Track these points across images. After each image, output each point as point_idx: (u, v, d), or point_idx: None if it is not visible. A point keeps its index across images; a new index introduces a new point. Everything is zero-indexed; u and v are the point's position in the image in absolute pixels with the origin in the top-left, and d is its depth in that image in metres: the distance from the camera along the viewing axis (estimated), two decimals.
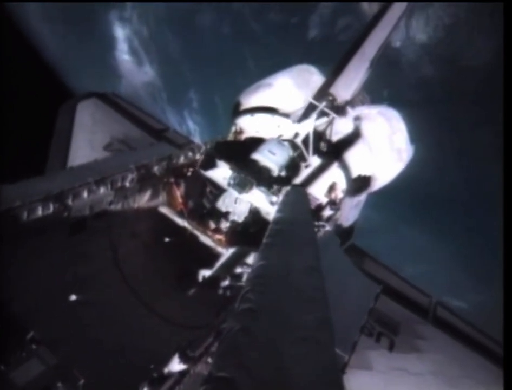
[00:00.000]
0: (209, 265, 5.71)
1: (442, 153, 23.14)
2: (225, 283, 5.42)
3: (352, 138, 6.83)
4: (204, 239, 6.03)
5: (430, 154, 21.06)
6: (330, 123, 7.09)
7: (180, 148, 6.57)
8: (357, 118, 6.94)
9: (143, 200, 6.07)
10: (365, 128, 6.88)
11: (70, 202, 4.74)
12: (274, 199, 6.15)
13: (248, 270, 5.47)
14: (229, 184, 6.17)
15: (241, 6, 27.86)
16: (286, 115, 6.88)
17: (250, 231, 6.21)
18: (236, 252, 5.79)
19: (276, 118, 6.85)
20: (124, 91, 30.67)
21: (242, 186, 6.05)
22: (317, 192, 6.51)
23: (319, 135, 7.20)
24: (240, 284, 5.35)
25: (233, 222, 6.40)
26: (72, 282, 4.84)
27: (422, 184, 22.92)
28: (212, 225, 6.25)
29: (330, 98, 7.34)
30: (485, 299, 23.67)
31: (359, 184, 6.76)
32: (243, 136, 7.10)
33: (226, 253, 5.80)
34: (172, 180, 6.27)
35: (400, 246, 24.18)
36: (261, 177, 6.14)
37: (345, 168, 6.60)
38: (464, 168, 23.79)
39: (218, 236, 6.09)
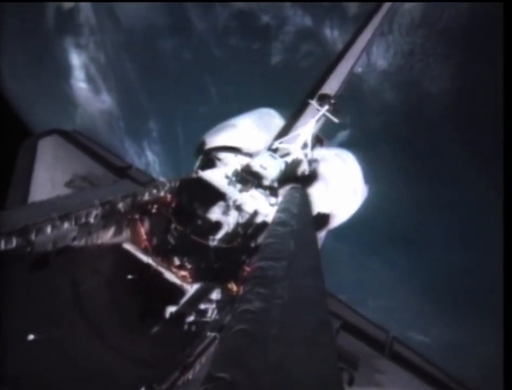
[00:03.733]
0: (173, 302, 5.92)
1: (404, 186, 24.29)
2: (191, 318, 5.70)
3: (311, 178, 7.43)
4: (169, 275, 6.24)
5: (390, 188, 22.21)
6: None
7: (143, 185, 6.84)
8: (315, 160, 7.66)
9: (107, 236, 6.20)
10: (323, 169, 7.51)
11: (33, 237, 4.77)
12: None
13: (213, 306, 5.85)
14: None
15: (202, 32, 28.60)
16: (249, 155, 7.45)
17: (215, 266, 6.54)
18: (201, 288, 6.10)
19: (239, 157, 7.40)
20: (80, 120, 30.29)
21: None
22: None
23: (297, 164, 7.87)
24: (204, 320, 5.71)
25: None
26: (32, 320, 4.86)
27: (387, 219, 23.83)
28: (176, 261, 6.49)
29: (332, 101, 7.98)
30: (446, 333, 24.59)
31: (318, 221, 7.28)
32: None
33: (191, 289, 6.09)
34: (137, 216, 6.56)
35: (364, 279, 24.88)
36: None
37: None
38: (426, 199, 25.04)
39: (182, 272, 6.33)
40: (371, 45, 10.94)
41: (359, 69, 26.09)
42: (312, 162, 7.64)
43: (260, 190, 6.94)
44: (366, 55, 26.03)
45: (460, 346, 23.85)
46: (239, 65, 28.16)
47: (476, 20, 23.90)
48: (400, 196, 23.97)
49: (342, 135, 26.19)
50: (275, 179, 7.13)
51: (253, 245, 6.97)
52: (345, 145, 24.66)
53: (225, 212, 6.91)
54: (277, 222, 4.44)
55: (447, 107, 24.91)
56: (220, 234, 6.75)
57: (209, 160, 7.19)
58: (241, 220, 7.02)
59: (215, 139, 7.75)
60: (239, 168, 7.17)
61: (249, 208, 7.04)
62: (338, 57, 10.13)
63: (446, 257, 24.72)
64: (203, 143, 7.77)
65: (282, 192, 7.09)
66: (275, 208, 6.45)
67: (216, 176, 7.01)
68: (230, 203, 6.96)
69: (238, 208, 7.03)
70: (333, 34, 27.88)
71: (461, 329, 24.12)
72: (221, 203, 6.97)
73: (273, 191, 7.04)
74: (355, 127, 25.45)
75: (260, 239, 6.93)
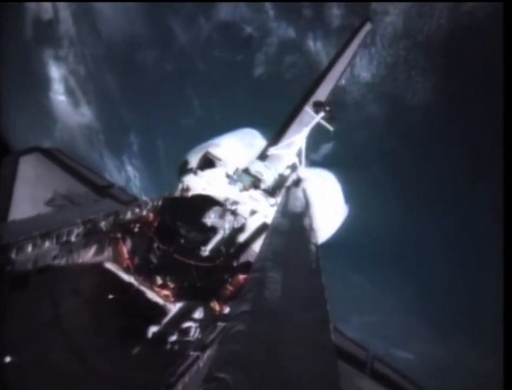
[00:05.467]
0: (156, 321, 5.99)
1: (388, 199, 24.54)
2: (173, 338, 5.78)
3: None
4: (151, 294, 6.32)
5: (375, 202, 22.49)
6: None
7: (125, 204, 6.92)
8: (299, 179, 7.89)
9: (88, 255, 6.25)
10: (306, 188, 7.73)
11: (13, 255, 4.79)
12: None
13: (196, 325, 5.97)
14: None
15: (185, 44, 28.72)
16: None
17: (198, 285, 6.63)
18: (183, 307, 6.20)
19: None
20: (59, 134, 30.00)
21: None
22: None
23: (285, 179, 8.10)
24: (187, 339, 5.80)
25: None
26: (11, 340, 4.79)
27: (372, 234, 23.99)
28: (159, 280, 6.57)
29: (328, 108, 8.16)
30: (430, 349, 24.78)
31: None
32: (190, 193, 7.68)
33: (174, 308, 6.18)
34: (119, 235, 6.65)
35: (349, 295, 25.02)
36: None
37: None
38: (412, 213, 25.30)
39: (165, 292, 6.42)
40: (355, 58, 11.97)
41: (342, 81, 26.50)
42: (296, 181, 7.87)
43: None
44: (349, 67, 26.50)
45: (444, 363, 24.04)
46: (222, 77, 28.26)
47: (456, 31, 24.63)
48: (385, 211, 24.25)
49: (326, 147, 26.50)
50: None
51: (235, 264, 7.13)
52: (328, 157, 25.00)
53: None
54: (276, 222, 4.53)
55: (430, 118, 25.48)
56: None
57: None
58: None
59: (198, 158, 7.89)
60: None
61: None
62: (327, 69, 10.69)
63: (431, 273, 25.03)
64: (186, 162, 7.93)
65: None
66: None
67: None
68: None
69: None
70: (316, 46, 28.35)
71: (445, 345, 24.37)
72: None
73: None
74: (339, 139, 25.79)
75: (242, 258, 7.11)
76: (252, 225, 7.42)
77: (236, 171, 7.36)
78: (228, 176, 7.29)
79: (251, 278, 3.05)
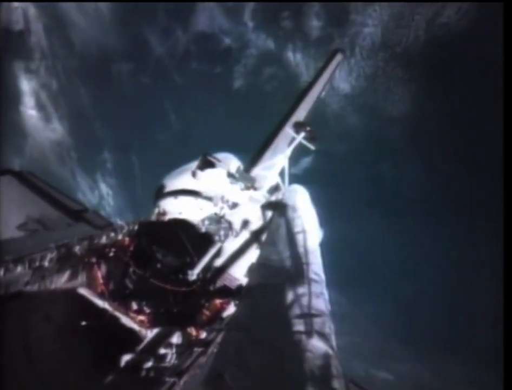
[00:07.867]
0: (131, 348, 6.01)
1: (369, 215, 24.91)
2: (149, 364, 5.80)
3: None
4: (126, 320, 6.34)
5: (355, 218, 22.76)
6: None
7: (100, 229, 6.92)
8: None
9: (61, 280, 6.27)
10: None
11: None
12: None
13: (173, 351, 6.05)
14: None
15: (161, 56, 28.86)
16: (209, 198, 7.72)
17: (174, 311, 6.70)
18: (159, 332, 6.27)
19: (199, 201, 7.66)
20: (29, 151, 29.63)
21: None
22: (238, 272, 7.34)
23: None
24: (163, 365, 5.86)
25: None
26: None
27: (352, 254, 24.29)
28: (134, 306, 6.60)
29: (308, 128, 8.34)
30: (411, 370, 24.97)
31: None
32: (166, 218, 7.82)
33: (149, 334, 6.24)
34: (93, 260, 6.68)
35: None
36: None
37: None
38: (392, 231, 25.60)
39: (141, 317, 6.46)
40: (330, 82, 12.57)
41: (321, 93, 26.76)
42: (279, 202, 8.08)
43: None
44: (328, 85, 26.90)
45: (425, 383, 24.25)
46: (200, 89, 28.43)
47: (433, 43, 25.34)
48: (364, 227, 24.56)
49: (306, 161, 26.77)
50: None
51: (211, 288, 7.25)
52: (308, 171, 25.25)
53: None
54: (277, 225, 4.75)
55: (410, 129, 26.07)
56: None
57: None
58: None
59: (175, 182, 7.98)
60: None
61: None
62: (302, 94, 11.15)
63: (411, 293, 25.35)
64: (163, 187, 8.01)
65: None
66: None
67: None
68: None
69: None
70: (295, 58, 28.81)
71: (426, 365, 24.69)
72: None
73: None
74: (319, 152, 26.13)
75: (219, 283, 7.25)
76: (229, 249, 7.55)
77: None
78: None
79: (251, 277, 3.10)
